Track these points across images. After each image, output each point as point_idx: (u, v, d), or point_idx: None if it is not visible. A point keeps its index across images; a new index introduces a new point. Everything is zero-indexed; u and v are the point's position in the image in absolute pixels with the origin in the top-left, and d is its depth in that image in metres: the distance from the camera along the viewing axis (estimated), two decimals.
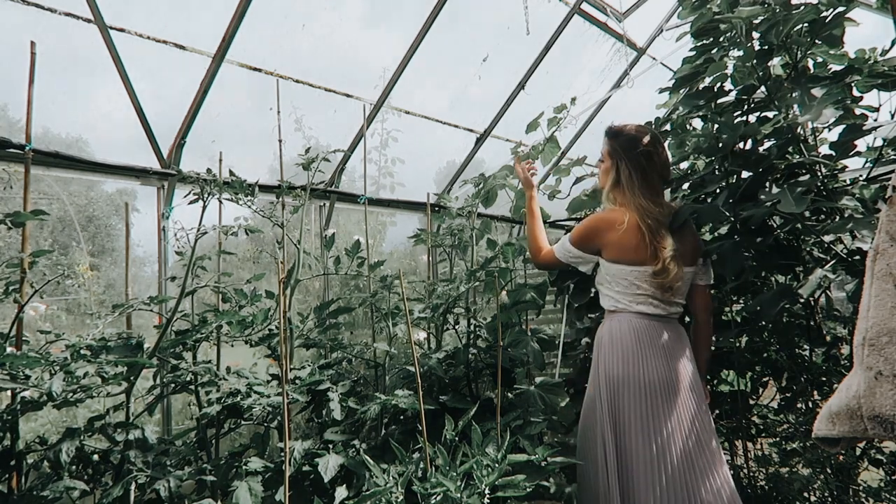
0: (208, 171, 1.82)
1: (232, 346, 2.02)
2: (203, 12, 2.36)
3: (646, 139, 1.75)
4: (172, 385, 1.80)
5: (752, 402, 2.26)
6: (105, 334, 1.60)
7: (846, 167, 1.98)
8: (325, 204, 3.08)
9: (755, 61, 1.77)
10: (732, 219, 1.82)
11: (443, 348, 2.22)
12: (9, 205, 1.98)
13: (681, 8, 1.99)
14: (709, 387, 2.12)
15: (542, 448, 1.56)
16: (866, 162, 1.88)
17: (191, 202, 1.78)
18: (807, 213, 1.84)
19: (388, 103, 3.17)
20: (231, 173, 1.86)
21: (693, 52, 1.98)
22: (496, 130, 3.81)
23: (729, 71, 1.93)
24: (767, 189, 1.74)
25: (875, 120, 1.80)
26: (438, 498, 1.31)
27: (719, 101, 1.96)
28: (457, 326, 2.26)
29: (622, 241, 1.70)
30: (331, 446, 1.71)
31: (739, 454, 2.31)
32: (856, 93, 1.74)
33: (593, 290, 2.13)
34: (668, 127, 2.21)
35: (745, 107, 1.91)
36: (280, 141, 2.16)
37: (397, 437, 1.85)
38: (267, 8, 2.40)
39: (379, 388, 2.19)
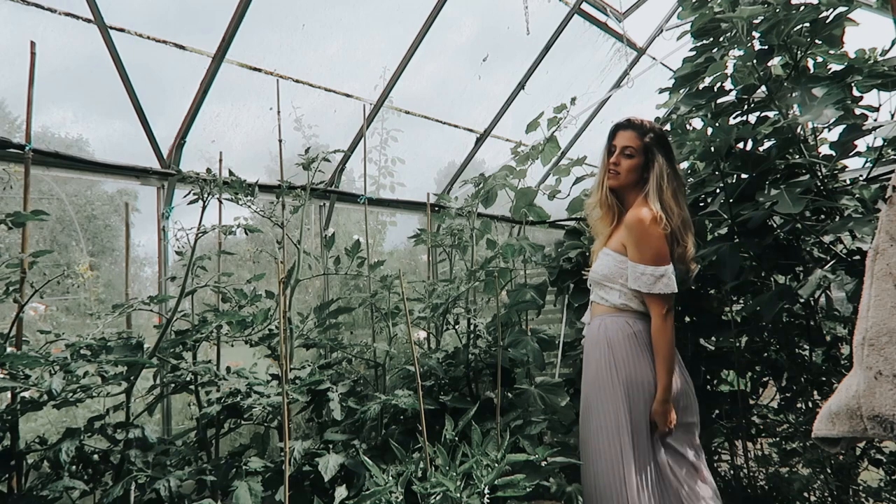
0: (208, 170, 1.82)
1: (232, 346, 2.02)
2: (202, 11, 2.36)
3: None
4: (172, 385, 1.80)
5: (752, 402, 2.26)
6: (105, 334, 1.60)
7: (846, 167, 1.98)
8: (325, 204, 3.08)
9: (755, 61, 1.77)
10: (730, 220, 1.82)
11: (443, 348, 2.22)
12: (9, 205, 1.98)
13: (681, 8, 1.99)
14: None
15: (541, 448, 1.56)
16: (866, 162, 1.88)
17: (190, 202, 1.78)
18: (807, 213, 1.84)
19: (389, 103, 3.17)
20: (231, 173, 1.85)
21: (693, 52, 1.98)
22: (496, 130, 3.81)
23: (729, 70, 1.93)
24: (766, 190, 1.73)
25: (875, 120, 1.80)
26: (438, 497, 1.31)
27: (719, 100, 1.96)
28: (457, 326, 2.26)
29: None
30: (331, 446, 1.71)
31: (739, 454, 2.31)
32: (856, 93, 1.74)
33: None
34: (668, 127, 2.20)
35: (745, 106, 1.91)
36: (280, 141, 2.16)
37: (397, 437, 1.85)
38: (267, 8, 2.40)
39: (379, 388, 2.19)
